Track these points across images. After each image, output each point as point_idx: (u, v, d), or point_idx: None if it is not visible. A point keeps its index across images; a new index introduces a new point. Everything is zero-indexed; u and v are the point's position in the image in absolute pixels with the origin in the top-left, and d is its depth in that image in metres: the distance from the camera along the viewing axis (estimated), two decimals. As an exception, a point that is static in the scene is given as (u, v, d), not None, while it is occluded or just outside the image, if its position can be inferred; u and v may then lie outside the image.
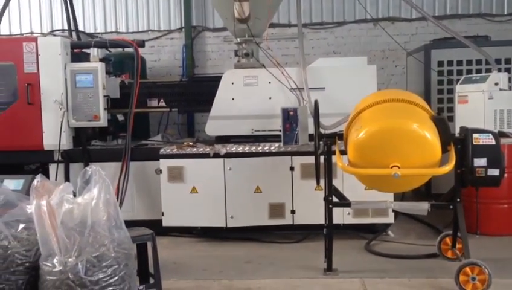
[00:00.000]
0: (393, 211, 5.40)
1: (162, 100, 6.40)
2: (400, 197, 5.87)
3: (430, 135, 3.93)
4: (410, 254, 5.00)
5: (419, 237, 5.57)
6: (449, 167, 3.98)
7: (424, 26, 8.74)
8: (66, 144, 5.75)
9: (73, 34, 7.39)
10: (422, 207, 4.30)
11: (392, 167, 3.91)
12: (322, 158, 4.65)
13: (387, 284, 4.30)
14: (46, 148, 5.75)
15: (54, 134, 5.66)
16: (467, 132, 4.16)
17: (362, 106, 4.31)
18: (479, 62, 6.96)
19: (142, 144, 6.33)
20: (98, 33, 9.08)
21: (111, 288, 3.05)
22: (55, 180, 5.63)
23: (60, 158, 5.75)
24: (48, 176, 5.69)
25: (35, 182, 3.23)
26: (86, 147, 5.87)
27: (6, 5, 6.40)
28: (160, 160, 5.62)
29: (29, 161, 6.14)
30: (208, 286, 4.40)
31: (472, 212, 5.30)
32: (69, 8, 6.76)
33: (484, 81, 5.90)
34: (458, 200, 4.26)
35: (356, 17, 8.92)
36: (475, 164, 4.08)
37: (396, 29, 8.73)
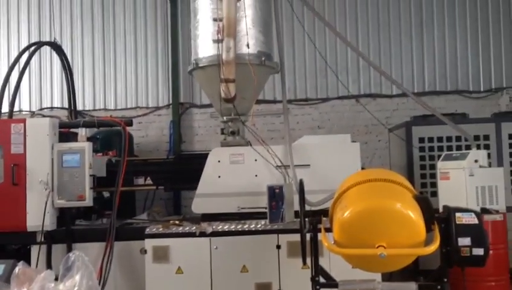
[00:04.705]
0: None
1: (148, 178, 6.42)
2: (388, 275, 5.79)
3: (414, 214, 3.95)
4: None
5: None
6: (434, 247, 3.97)
7: (405, 102, 9.07)
8: (50, 224, 5.64)
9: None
10: (410, 288, 4.24)
11: (377, 247, 3.91)
12: (308, 236, 4.64)
13: None
14: (29, 229, 5.62)
15: (37, 215, 5.56)
16: (449, 211, 4.19)
17: (346, 185, 4.36)
18: (458, 139, 7.15)
19: (128, 223, 6.25)
20: (87, 110, 9.24)
21: None
22: (37, 261, 5.50)
23: (42, 239, 5.64)
24: (29, 257, 5.59)
25: (16, 269, 3.18)
26: (70, 227, 5.79)
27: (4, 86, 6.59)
28: (145, 239, 5.54)
29: (11, 243, 6.00)
30: None
31: (460, 290, 5.25)
32: (70, 88, 6.91)
33: (464, 158, 6.03)
34: (445, 280, 4.22)
35: (339, 94, 9.25)
36: (460, 243, 4.07)
37: (378, 105, 9.04)
